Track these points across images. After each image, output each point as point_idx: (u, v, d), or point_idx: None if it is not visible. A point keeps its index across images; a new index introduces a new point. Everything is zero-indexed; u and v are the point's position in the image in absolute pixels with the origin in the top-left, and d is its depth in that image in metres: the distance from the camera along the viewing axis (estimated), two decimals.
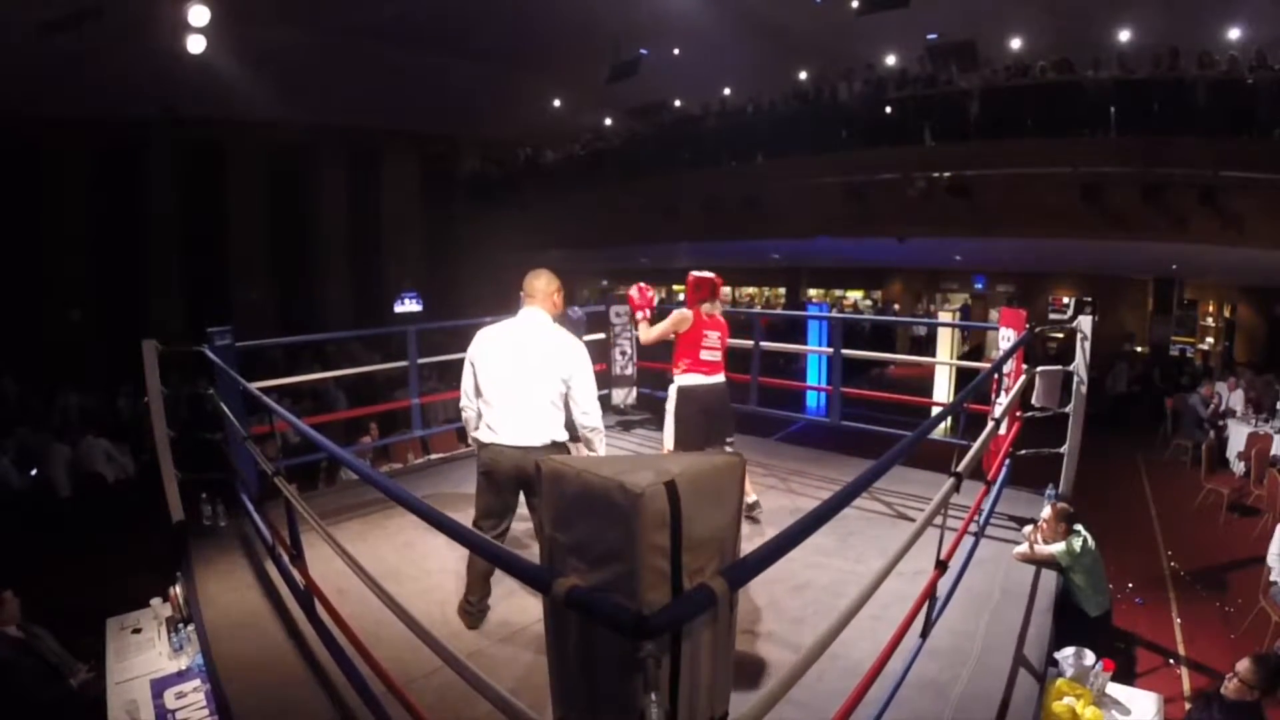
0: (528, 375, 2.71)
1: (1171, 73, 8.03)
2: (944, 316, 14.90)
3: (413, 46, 11.13)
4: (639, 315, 3.95)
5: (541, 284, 2.81)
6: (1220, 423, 8.59)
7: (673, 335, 3.84)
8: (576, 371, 2.75)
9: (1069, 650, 3.03)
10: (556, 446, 2.76)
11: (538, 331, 2.77)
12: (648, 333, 3.86)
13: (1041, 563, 3.44)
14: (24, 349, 10.80)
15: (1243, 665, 2.91)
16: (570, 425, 2.87)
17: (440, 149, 15.94)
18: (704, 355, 3.82)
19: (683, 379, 3.81)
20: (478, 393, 2.80)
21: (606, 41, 11.73)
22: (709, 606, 1.15)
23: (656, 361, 6.47)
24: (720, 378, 3.90)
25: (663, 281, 19.63)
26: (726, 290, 20.21)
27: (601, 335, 5.89)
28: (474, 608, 2.91)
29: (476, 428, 2.86)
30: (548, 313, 2.83)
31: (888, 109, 10.07)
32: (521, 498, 2.87)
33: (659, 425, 6.01)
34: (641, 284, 4.02)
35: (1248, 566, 5.42)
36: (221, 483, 4.13)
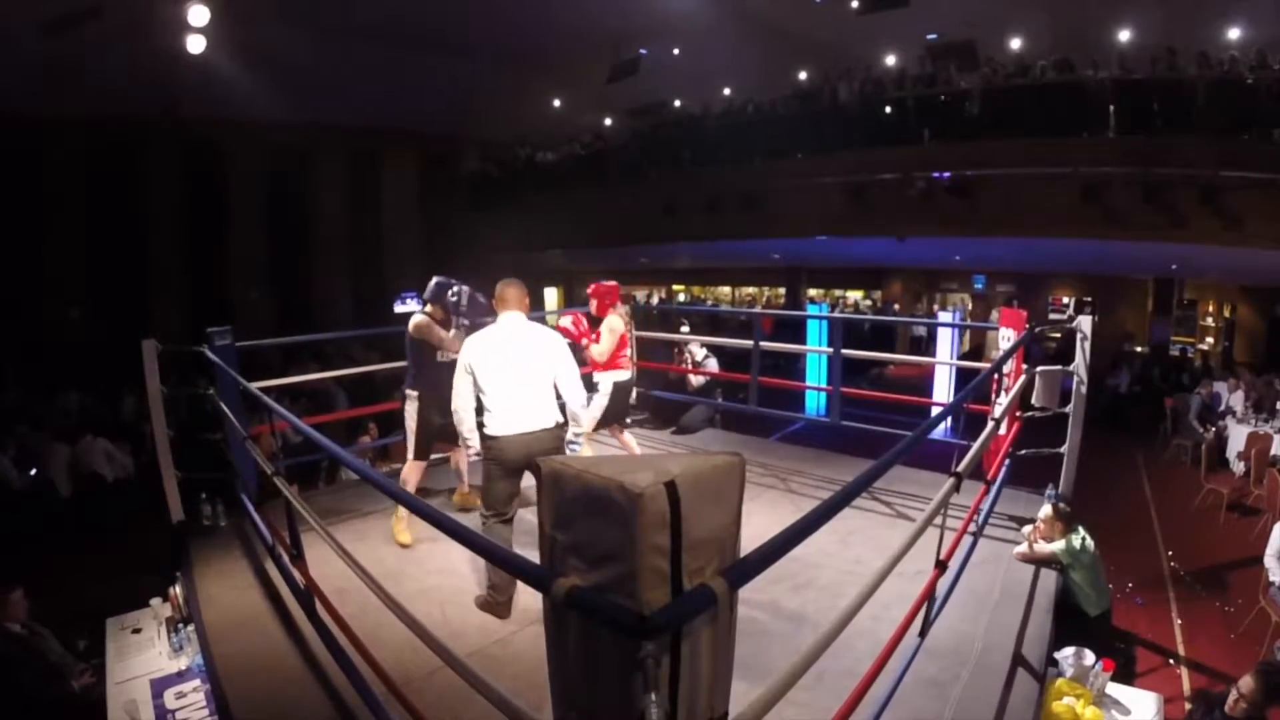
0: (525, 369, 3.05)
1: (1171, 73, 8.03)
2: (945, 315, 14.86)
3: (413, 46, 11.12)
4: (583, 342, 4.41)
5: (514, 292, 3.18)
6: (1220, 423, 8.57)
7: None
8: (561, 359, 3.14)
9: (1069, 650, 3.04)
10: (560, 427, 3.15)
11: (522, 331, 3.13)
12: (599, 351, 4.39)
13: (1041, 561, 3.45)
14: (24, 349, 10.80)
15: (1245, 683, 2.92)
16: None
17: (440, 149, 15.90)
18: (627, 352, 4.62)
19: (617, 374, 4.50)
20: (480, 392, 3.08)
21: (606, 41, 11.71)
22: (709, 606, 1.15)
23: (654, 362, 6.48)
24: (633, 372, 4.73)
25: (662, 281, 19.62)
26: (725, 290, 20.23)
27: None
28: (499, 597, 3.11)
29: (477, 426, 3.13)
30: (523, 314, 3.18)
31: (888, 109, 10.06)
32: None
33: (658, 424, 6.06)
34: (574, 313, 4.57)
35: (1247, 566, 5.41)
36: (221, 483, 4.14)
